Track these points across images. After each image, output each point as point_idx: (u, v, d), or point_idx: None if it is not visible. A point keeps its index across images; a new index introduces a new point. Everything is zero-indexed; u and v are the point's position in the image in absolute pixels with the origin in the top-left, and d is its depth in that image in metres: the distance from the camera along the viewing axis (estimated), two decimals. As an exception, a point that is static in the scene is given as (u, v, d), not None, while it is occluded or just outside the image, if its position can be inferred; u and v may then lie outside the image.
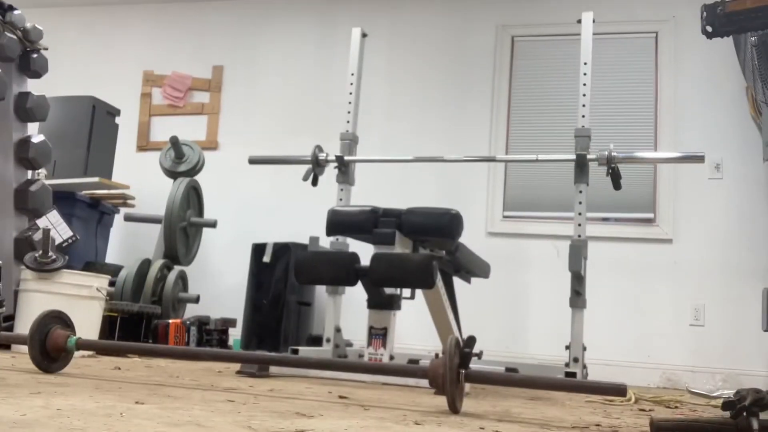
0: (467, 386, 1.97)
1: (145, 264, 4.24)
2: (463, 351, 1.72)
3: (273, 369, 2.57)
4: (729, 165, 4.41)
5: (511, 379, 2.06)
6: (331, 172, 3.65)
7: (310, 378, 2.58)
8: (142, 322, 3.55)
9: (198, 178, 4.66)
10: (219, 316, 4.02)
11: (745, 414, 1.35)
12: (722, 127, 4.46)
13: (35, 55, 3.51)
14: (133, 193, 4.96)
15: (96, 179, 4.54)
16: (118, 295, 4.06)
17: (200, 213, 4.68)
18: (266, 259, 4.42)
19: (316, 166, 3.56)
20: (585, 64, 3.35)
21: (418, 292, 2.71)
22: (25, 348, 2.05)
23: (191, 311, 4.32)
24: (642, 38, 4.76)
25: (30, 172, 3.47)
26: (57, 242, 3.23)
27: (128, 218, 4.73)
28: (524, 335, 4.47)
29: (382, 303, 2.58)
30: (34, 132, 3.71)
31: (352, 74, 3.74)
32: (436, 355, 1.78)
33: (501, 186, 4.78)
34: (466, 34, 5.05)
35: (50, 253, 2.95)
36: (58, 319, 2.09)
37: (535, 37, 4.96)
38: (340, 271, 2.61)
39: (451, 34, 5.09)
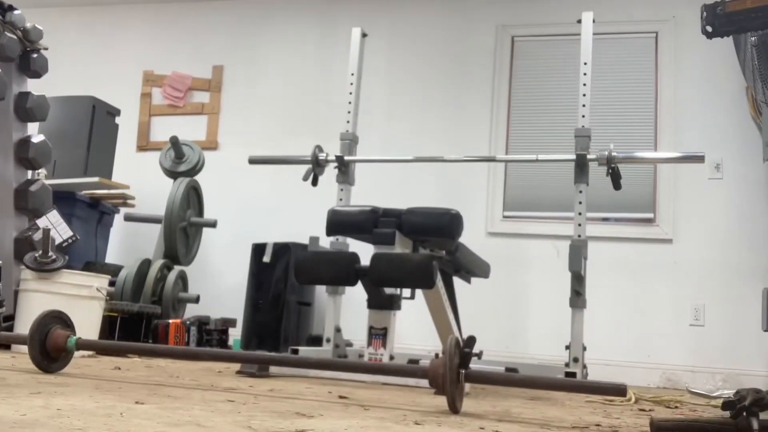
0: (467, 386, 1.97)
1: (145, 264, 4.24)
2: (463, 351, 1.72)
3: (273, 369, 2.57)
4: (729, 165, 4.41)
5: (511, 379, 2.06)
6: (331, 172, 3.65)
7: (310, 378, 2.58)
8: (142, 322, 3.55)
9: (198, 178, 4.66)
10: (219, 316, 4.02)
11: (745, 414, 1.35)
12: (722, 127, 4.46)
13: (35, 55, 3.51)
14: (133, 193, 4.96)
15: (96, 179, 4.54)
16: (118, 295, 4.06)
17: (200, 213, 4.68)
18: (266, 259, 4.42)
19: (316, 166, 3.56)
20: (585, 64, 3.35)
21: (418, 292, 2.71)
22: (25, 348, 2.05)
23: (191, 311, 4.32)
24: (642, 38, 4.76)
25: (30, 172, 3.47)
26: (57, 242, 3.23)
27: (128, 218, 4.73)
28: (524, 335, 4.47)
29: (382, 303, 2.58)
30: (34, 132, 3.71)
31: (352, 74, 3.74)
32: (436, 355, 1.78)
33: (501, 186, 4.78)
34: (466, 34, 5.05)
35: (50, 253, 2.95)
36: (58, 319, 2.09)
37: (535, 37, 4.96)
38: (340, 271, 2.61)
39: (451, 34, 5.09)
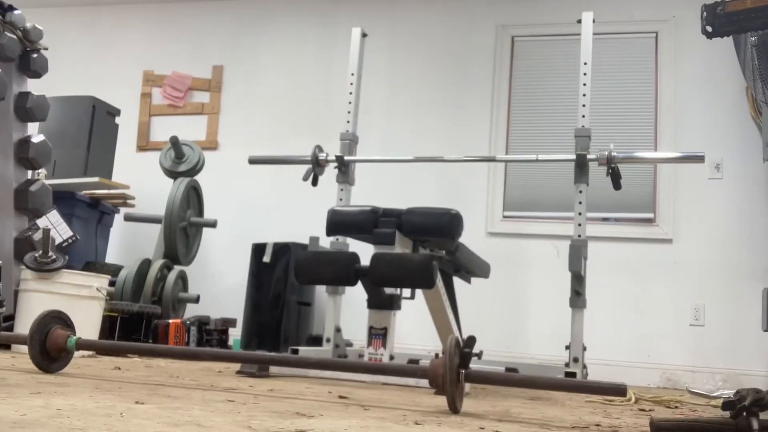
0: (467, 386, 1.97)
1: (145, 264, 4.24)
2: (463, 351, 1.72)
3: (273, 369, 2.57)
4: (729, 165, 4.41)
5: (511, 379, 2.06)
6: (331, 172, 3.65)
7: (310, 378, 2.58)
8: (142, 322, 3.55)
9: (198, 178, 4.66)
10: (219, 316, 4.02)
11: (745, 414, 1.35)
12: (722, 127, 4.45)
13: (35, 55, 3.50)
14: (133, 193, 4.96)
15: (96, 179, 4.54)
16: (118, 295, 4.06)
17: (200, 213, 4.68)
18: (266, 259, 4.42)
19: (316, 166, 3.56)
20: (585, 64, 3.35)
21: (418, 292, 2.71)
22: (25, 348, 2.05)
23: (191, 311, 4.32)
24: (642, 38, 4.76)
25: (30, 172, 3.47)
26: (57, 242, 3.23)
27: (128, 218, 4.73)
28: (524, 335, 4.47)
29: (382, 303, 2.59)
30: (34, 132, 3.71)
31: (352, 74, 3.74)
32: (436, 355, 1.78)
33: (501, 186, 4.78)
34: (466, 34, 5.05)
35: (50, 253, 2.94)
36: (58, 319, 2.09)
37: (535, 37, 4.96)
38: (340, 271, 2.61)
39: (451, 34, 5.09)
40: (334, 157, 3.56)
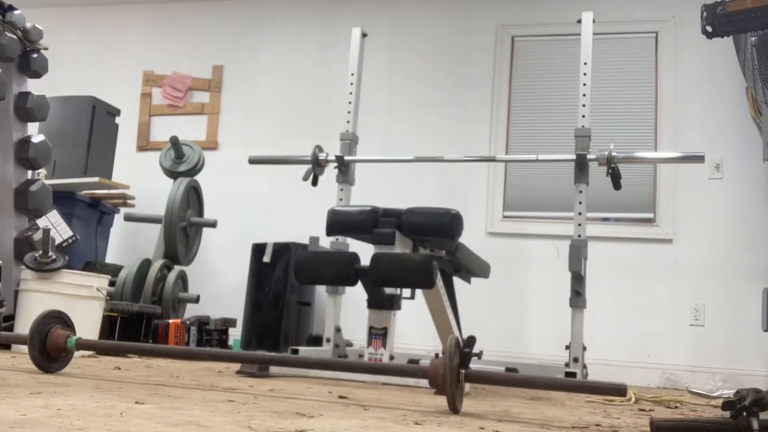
0: (467, 386, 1.97)
1: (145, 264, 4.24)
2: (463, 351, 1.72)
3: (273, 369, 2.57)
4: (729, 165, 4.41)
5: (511, 379, 2.06)
6: (331, 172, 3.65)
7: (310, 378, 2.58)
8: (142, 322, 3.55)
9: (198, 178, 4.66)
10: (219, 316, 4.02)
11: (745, 414, 1.35)
12: (722, 127, 4.45)
13: (35, 55, 3.50)
14: (133, 193, 4.96)
15: (96, 179, 4.54)
16: (118, 295, 4.06)
17: (200, 213, 4.68)
18: (266, 259, 4.43)
19: (316, 166, 3.56)
20: (585, 64, 3.35)
21: (418, 292, 2.71)
22: (25, 348, 2.05)
23: (191, 311, 4.32)
24: (642, 38, 4.76)
25: (30, 172, 3.47)
26: (57, 242, 3.23)
27: (128, 218, 4.73)
28: (524, 335, 4.47)
29: (382, 303, 2.59)
30: (34, 132, 3.71)
31: (352, 74, 3.74)
32: (436, 355, 1.78)
33: (501, 186, 4.78)
34: (466, 34, 5.05)
35: (50, 253, 2.94)
36: (58, 319, 2.09)
37: (535, 37, 4.96)
38: (340, 271, 2.61)
39: (451, 34, 5.08)
40: (334, 157, 3.56)
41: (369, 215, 2.70)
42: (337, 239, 3.44)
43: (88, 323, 2.93)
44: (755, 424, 1.34)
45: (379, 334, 2.57)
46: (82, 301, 2.96)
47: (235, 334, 4.31)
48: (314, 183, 3.58)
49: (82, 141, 4.66)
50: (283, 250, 4.45)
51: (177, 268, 4.33)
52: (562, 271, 3.24)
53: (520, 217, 4.72)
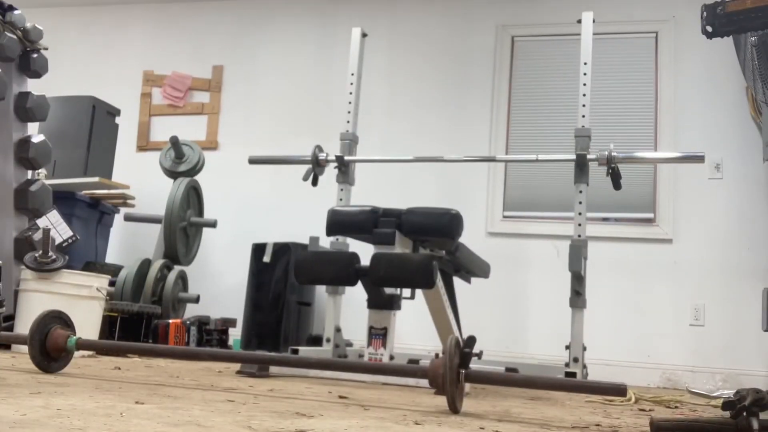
0: (467, 386, 1.97)
1: (145, 264, 4.24)
2: (463, 351, 1.72)
3: (273, 369, 2.57)
4: (729, 165, 4.41)
5: (511, 379, 2.06)
6: (331, 172, 3.65)
7: (310, 378, 2.58)
8: (142, 322, 3.55)
9: (198, 178, 4.66)
10: (219, 316, 4.02)
11: (745, 414, 1.35)
12: (722, 127, 4.45)
13: (35, 55, 3.50)
14: (133, 193, 4.96)
15: (96, 179, 4.54)
16: (118, 295, 4.06)
17: (200, 213, 4.68)
18: (266, 259, 4.43)
19: (316, 166, 3.56)
20: (585, 64, 3.35)
21: (418, 292, 2.71)
22: (25, 348, 2.05)
23: (191, 311, 4.32)
24: (642, 38, 4.76)
25: (30, 172, 3.47)
26: (57, 242, 3.23)
27: (128, 218, 4.73)
28: (524, 335, 4.47)
29: (382, 303, 2.59)
30: (34, 132, 3.71)
31: (352, 74, 3.74)
32: (436, 355, 1.78)
33: (501, 186, 4.78)
34: (466, 34, 5.05)
35: (50, 253, 2.94)
36: (58, 319, 2.09)
37: (535, 37, 4.96)
38: (340, 271, 2.61)
39: (451, 34, 5.08)
40: (334, 157, 3.56)
41: (369, 215, 2.70)
42: (337, 239, 3.44)
43: (88, 323, 2.93)
44: (755, 424, 1.34)
45: (379, 334, 2.57)
46: (82, 301, 2.96)
47: (235, 334, 4.31)
48: (314, 183, 3.58)
49: (82, 141, 4.66)
50: (283, 250, 4.45)
51: (177, 268, 4.33)
52: (562, 271, 3.24)
53: (520, 217, 4.72)
